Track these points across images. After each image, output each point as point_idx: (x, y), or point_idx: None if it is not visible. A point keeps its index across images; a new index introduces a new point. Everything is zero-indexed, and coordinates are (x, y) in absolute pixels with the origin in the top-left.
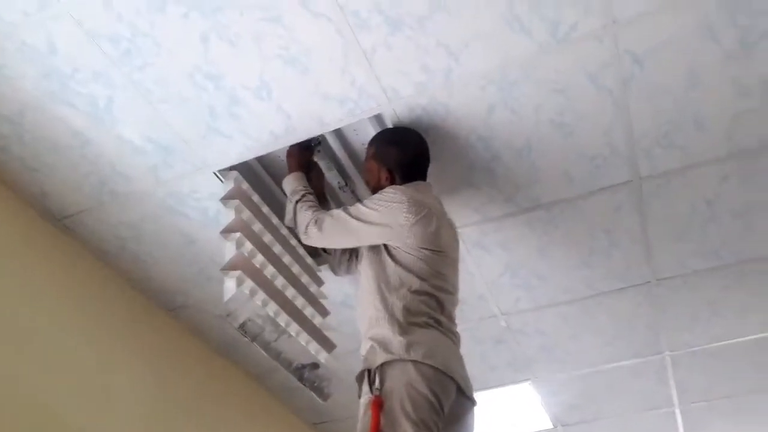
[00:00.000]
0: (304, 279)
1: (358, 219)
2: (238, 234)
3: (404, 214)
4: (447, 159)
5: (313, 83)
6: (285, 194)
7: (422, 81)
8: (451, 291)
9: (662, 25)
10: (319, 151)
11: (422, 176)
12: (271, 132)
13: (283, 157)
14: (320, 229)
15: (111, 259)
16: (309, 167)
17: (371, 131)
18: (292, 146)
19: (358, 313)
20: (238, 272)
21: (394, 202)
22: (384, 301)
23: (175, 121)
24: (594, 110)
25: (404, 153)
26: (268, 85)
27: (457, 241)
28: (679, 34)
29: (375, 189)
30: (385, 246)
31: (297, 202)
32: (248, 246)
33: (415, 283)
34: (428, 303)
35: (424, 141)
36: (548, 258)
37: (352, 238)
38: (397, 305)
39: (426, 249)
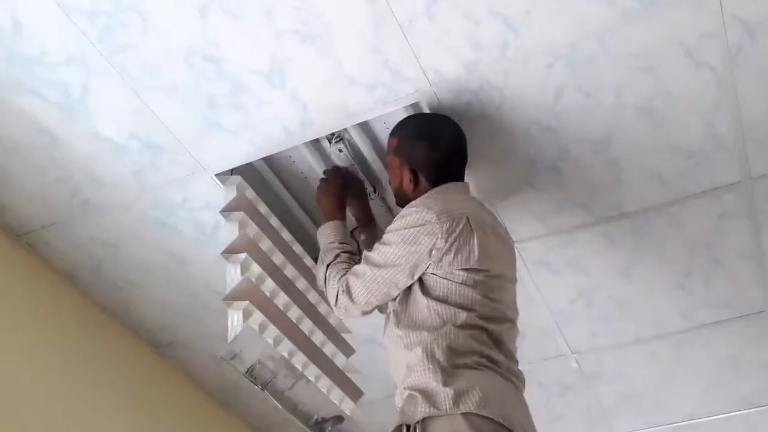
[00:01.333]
0: (323, 308)
1: (384, 266)
2: (243, 255)
3: (435, 238)
4: (503, 156)
5: (336, 65)
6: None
7: (472, 59)
8: (509, 320)
9: None
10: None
11: (457, 176)
12: (284, 127)
13: (295, 159)
14: (351, 298)
15: (83, 284)
16: (346, 200)
17: None
18: (323, 184)
19: (390, 358)
20: (245, 303)
21: (418, 225)
22: (422, 343)
23: (166, 114)
24: (691, 93)
25: (434, 150)
26: (281, 69)
27: (512, 255)
28: None
29: (397, 192)
30: (420, 279)
31: (328, 266)
32: (256, 270)
33: (460, 317)
34: (479, 338)
35: (460, 134)
36: (633, 281)
37: (390, 289)
38: (439, 346)
39: (468, 271)
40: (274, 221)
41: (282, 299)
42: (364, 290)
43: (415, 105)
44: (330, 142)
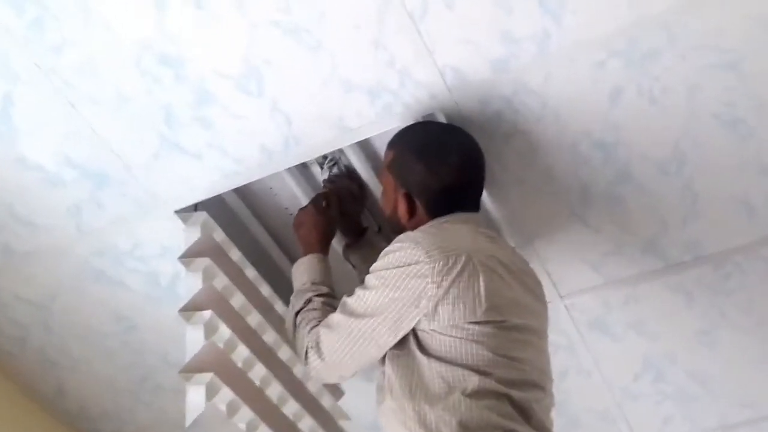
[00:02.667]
0: (313, 384)
1: (361, 315)
2: (208, 313)
3: (425, 283)
4: (544, 183)
5: (329, 65)
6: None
7: (502, 56)
8: (538, 386)
9: None
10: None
11: (468, 206)
12: (261, 146)
13: (276, 190)
14: (321, 356)
15: (2, 358)
16: (331, 228)
17: None
18: (302, 211)
19: None
20: (208, 376)
21: (402, 266)
22: (423, 419)
23: (111, 133)
24: None
25: (433, 174)
26: (258, 71)
27: (541, 302)
28: None
29: (391, 219)
30: (413, 331)
31: (297, 313)
32: (224, 332)
33: (471, 381)
34: (500, 410)
35: (473, 154)
36: (716, 348)
37: (369, 347)
38: (447, 423)
39: (477, 324)
40: (250, 271)
41: (258, 371)
42: (337, 346)
43: (429, 117)
44: (322, 168)
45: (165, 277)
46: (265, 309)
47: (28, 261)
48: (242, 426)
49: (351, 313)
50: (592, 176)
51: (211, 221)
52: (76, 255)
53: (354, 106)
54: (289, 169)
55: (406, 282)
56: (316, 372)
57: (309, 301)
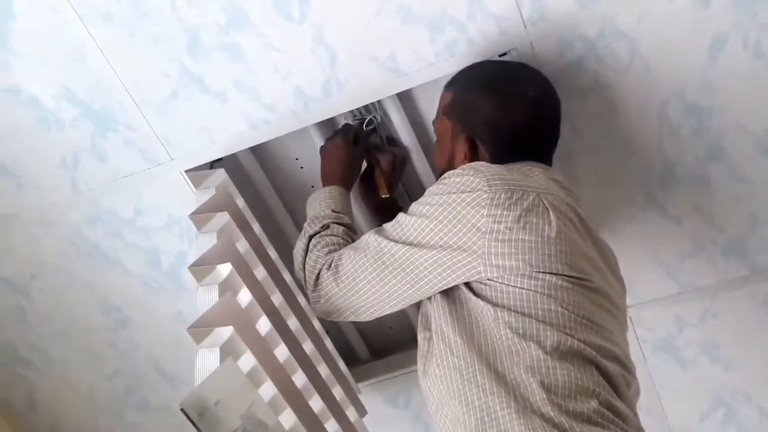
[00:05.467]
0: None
1: (400, 241)
2: (227, 267)
3: (480, 212)
4: (622, 156)
5: None
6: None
7: None
8: (625, 365)
9: None
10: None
11: (541, 156)
12: (297, 90)
13: (304, 161)
14: (336, 277)
15: None
16: (357, 166)
17: None
18: (330, 142)
19: (436, 407)
20: (229, 329)
21: (459, 192)
22: (499, 379)
23: (123, 60)
24: None
25: (506, 110)
26: None
27: (620, 283)
28: None
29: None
30: (468, 284)
31: (312, 237)
32: (244, 295)
33: (549, 337)
34: (589, 374)
35: (553, 94)
36: None
37: (398, 281)
38: (527, 384)
39: (549, 273)
40: (271, 251)
41: (281, 351)
42: (361, 270)
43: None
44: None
45: (168, 258)
46: (287, 293)
47: (6, 227)
48: (264, 396)
49: (387, 236)
50: (680, 150)
51: (231, 184)
52: (65, 221)
53: (411, 42)
54: (322, 136)
55: (459, 211)
56: (325, 298)
57: (327, 227)
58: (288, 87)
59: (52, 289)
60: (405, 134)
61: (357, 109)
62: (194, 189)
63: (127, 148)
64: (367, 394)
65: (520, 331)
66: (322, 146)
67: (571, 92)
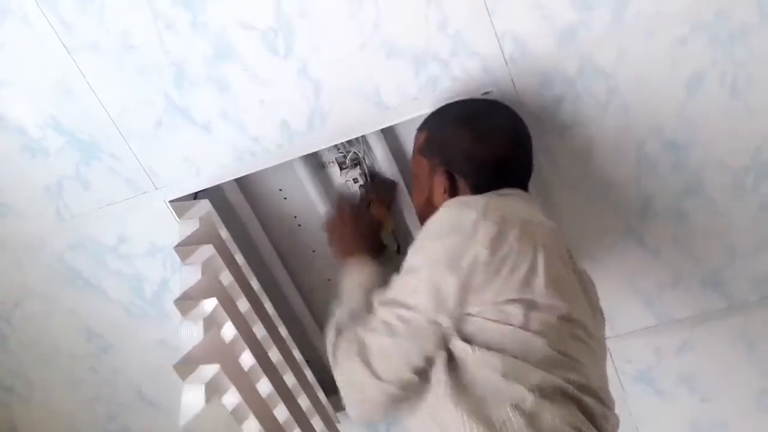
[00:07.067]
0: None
1: (404, 304)
2: (213, 302)
3: (476, 247)
4: (602, 190)
5: (371, 22)
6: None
7: (572, 24)
8: (603, 398)
9: None
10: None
11: (518, 183)
12: (282, 123)
13: (288, 191)
14: (371, 370)
15: None
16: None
17: None
18: (330, 221)
19: None
20: (215, 367)
21: (451, 230)
22: (482, 417)
23: (109, 90)
24: None
25: (482, 142)
26: (289, 25)
27: (599, 313)
28: None
29: (422, 212)
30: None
31: (340, 332)
32: (229, 329)
33: (533, 376)
34: (571, 415)
35: (525, 129)
36: None
37: (403, 350)
38: (513, 424)
39: (530, 306)
40: (254, 283)
41: (264, 386)
42: (388, 350)
43: (486, 96)
44: (342, 168)
45: (150, 286)
46: (269, 325)
47: None
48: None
49: (393, 303)
50: (658, 185)
51: (215, 215)
52: (50, 248)
53: (394, 76)
54: (306, 168)
55: (456, 247)
56: (370, 408)
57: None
58: (274, 118)
59: (35, 315)
60: (388, 168)
61: (341, 143)
62: (177, 219)
63: (111, 176)
64: (345, 423)
65: (504, 371)
66: (327, 222)
67: (551, 128)
